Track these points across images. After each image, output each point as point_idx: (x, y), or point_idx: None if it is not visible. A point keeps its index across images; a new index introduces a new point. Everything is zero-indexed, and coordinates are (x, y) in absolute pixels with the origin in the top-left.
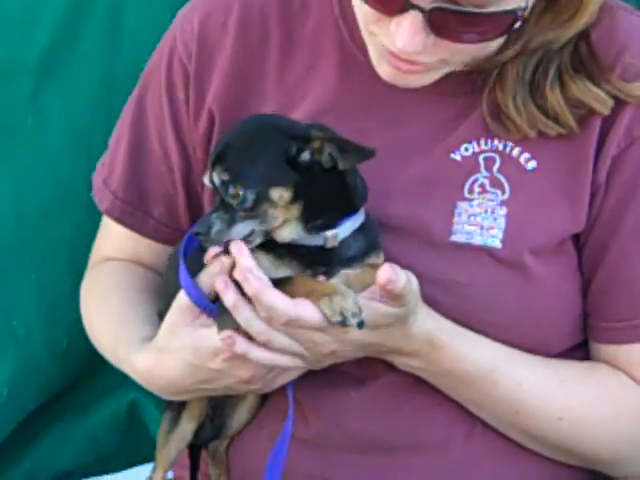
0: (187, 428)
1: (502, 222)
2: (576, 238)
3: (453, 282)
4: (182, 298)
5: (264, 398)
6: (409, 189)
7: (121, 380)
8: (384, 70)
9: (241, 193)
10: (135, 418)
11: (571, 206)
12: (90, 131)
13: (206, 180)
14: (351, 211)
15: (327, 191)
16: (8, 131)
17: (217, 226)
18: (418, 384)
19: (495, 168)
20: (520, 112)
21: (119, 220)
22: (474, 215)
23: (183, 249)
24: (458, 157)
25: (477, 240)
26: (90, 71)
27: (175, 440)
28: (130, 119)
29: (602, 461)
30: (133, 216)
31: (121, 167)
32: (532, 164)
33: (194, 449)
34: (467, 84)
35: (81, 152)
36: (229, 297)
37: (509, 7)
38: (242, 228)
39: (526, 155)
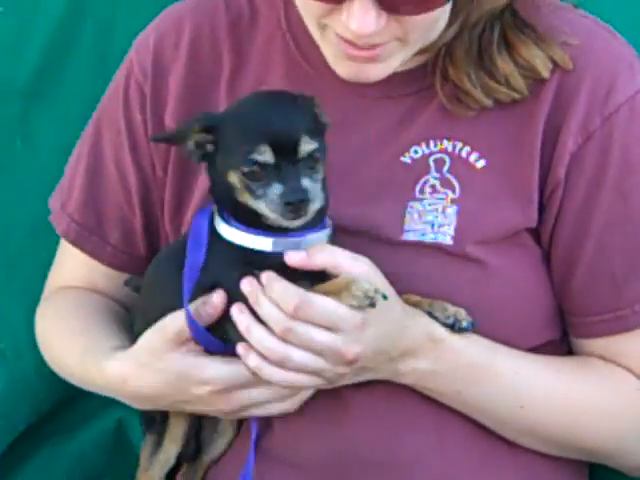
0: (170, 451)
1: (453, 220)
2: (534, 233)
3: (408, 277)
4: (169, 324)
5: (240, 425)
6: (361, 191)
7: (108, 400)
8: (342, 69)
9: (320, 156)
10: (122, 437)
11: (521, 202)
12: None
13: (266, 156)
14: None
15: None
16: None
17: (310, 188)
18: (396, 403)
19: (445, 169)
20: (474, 84)
21: (75, 243)
22: (425, 214)
23: (186, 293)
24: (408, 160)
25: (429, 238)
26: (78, 94)
27: (159, 463)
28: (88, 142)
29: (608, 452)
30: (89, 240)
31: (78, 190)
32: (481, 163)
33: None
34: (412, 84)
35: (61, 172)
36: (243, 321)
37: None
38: (319, 187)
39: (475, 154)
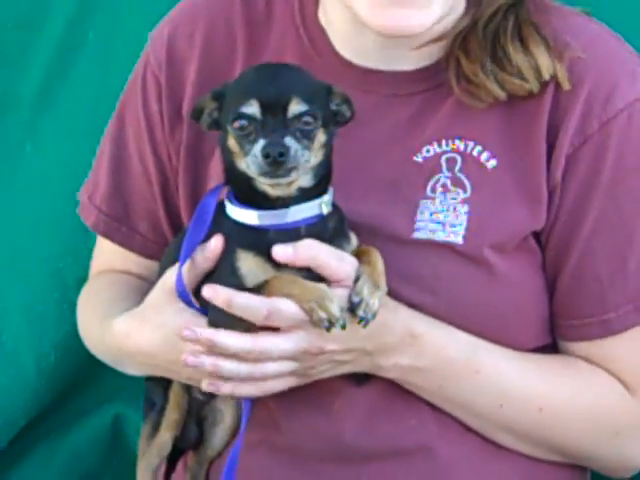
0: (166, 435)
1: (464, 219)
2: (538, 236)
3: (417, 276)
4: (169, 279)
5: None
6: (372, 189)
7: (105, 396)
8: (382, 19)
9: (312, 123)
10: (119, 433)
11: (531, 203)
12: (82, 156)
13: (253, 109)
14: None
15: (329, 154)
16: (7, 158)
17: (294, 148)
18: (392, 394)
19: (457, 168)
20: (488, 75)
21: (105, 235)
22: (436, 213)
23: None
24: (420, 159)
25: (440, 236)
26: (83, 100)
27: (156, 447)
28: (111, 136)
29: (584, 453)
30: (119, 231)
31: (104, 183)
32: (492, 163)
33: (173, 457)
34: (422, 83)
35: (72, 176)
36: (207, 364)
37: None
38: (306, 156)
39: (487, 154)
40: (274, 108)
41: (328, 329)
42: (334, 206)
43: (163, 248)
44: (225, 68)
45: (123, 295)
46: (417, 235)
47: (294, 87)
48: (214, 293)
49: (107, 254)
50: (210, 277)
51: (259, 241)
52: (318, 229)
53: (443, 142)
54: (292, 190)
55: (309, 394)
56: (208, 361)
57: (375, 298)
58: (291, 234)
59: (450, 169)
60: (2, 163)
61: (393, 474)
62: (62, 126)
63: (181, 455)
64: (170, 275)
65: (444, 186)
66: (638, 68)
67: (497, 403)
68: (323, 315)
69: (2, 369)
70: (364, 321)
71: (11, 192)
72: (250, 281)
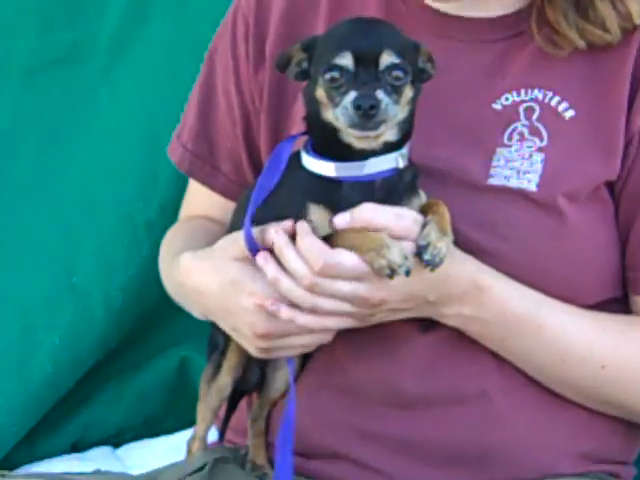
0: (226, 379)
1: (539, 167)
2: (611, 186)
3: (491, 222)
4: (239, 235)
5: (304, 361)
6: (451, 134)
7: (173, 338)
8: None
9: (403, 77)
10: (185, 376)
11: (606, 153)
12: (156, 102)
13: (346, 60)
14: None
15: (413, 111)
16: (82, 104)
17: (385, 101)
18: (455, 341)
19: (534, 117)
20: (571, 24)
21: (189, 172)
22: (512, 160)
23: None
24: (499, 106)
25: (514, 183)
26: (157, 48)
27: (216, 389)
28: (202, 75)
29: None
30: (202, 169)
31: (191, 121)
32: (570, 113)
33: (233, 400)
34: (502, 30)
35: (146, 122)
36: (270, 270)
37: None
38: (397, 110)
39: (565, 104)
40: (367, 61)
41: (390, 276)
42: (409, 161)
43: (244, 190)
44: (309, 16)
45: (201, 236)
46: (491, 181)
47: (387, 41)
48: (277, 233)
49: (193, 196)
50: None
51: (332, 194)
52: (393, 183)
53: (522, 91)
54: (378, 143)
55: (374, 338)
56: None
57: (442, 242)
58: (365, 187)
59: (528, 118)
60: (77, 108)
61: (451, 419)
62: (137, 72)
63: (242, 397)
64: (240, 232)
65: (521, 134)
66: None
67: (559, 358)
68: (383, 262)
69: (73, 310)
70: (431, 265)
71: (85, 137)
72: (319, 234)
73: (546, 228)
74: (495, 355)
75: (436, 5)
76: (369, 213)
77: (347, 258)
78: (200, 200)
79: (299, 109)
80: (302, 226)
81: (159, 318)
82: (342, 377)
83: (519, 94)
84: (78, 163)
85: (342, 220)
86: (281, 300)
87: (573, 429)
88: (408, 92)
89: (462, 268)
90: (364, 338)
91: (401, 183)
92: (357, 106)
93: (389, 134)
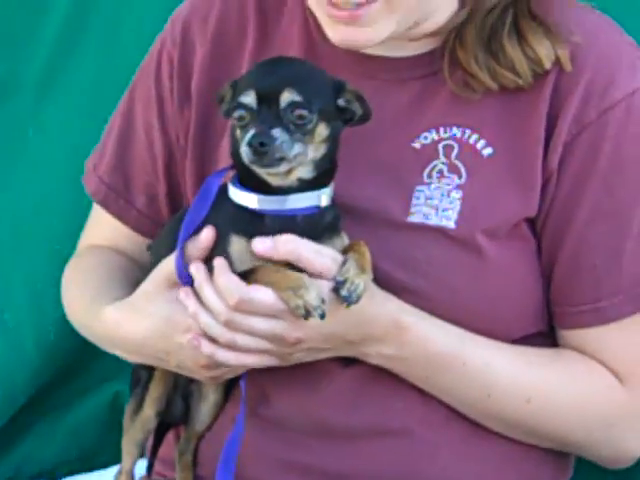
0: (150, 411)
1: (457, 204)
2: (532, 223)
3: (412, 259)
4: (163, 267)
5: (227, 394)
6: (371, 173)
7: (106, 373)
8: (333, 33)
9: (307, 116)
10: (118, 411)
11: (524, 190)
12: (84, 140)
13: (249, 99)
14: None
15: (333, 149)
16: (10, 142)
17: (281, 139)
18: (378, 375)
19: (453, 155)
20: (481, 66)
21: (102, 204)
22: (431, 198)
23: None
24: (418, 145)
25: (433, 221)
26: (86, 85)
27: (140, 423)
28: (122, 108)
29: (576, 443)
30: (116, 203)
31: (109, 153)
32: (488, 151)
33: (160, 432)
34: (421, 68)
35: (74, 160)
36: (190, 305)
37: None
38: (298, 148)
39: (483, 142)
40: (269, 98)
41: (306, 317)
42: (333, 202)
43: (157, 226)
44: (234, 54)
45: (111, 277)
46: (411, 219)
47: (291, 79)
48: (196, 269)
49: (100, 226)
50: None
51: (254, 227)
52: (314, 220)
53: (441, 129)
54: (291, 180)
55: (298, 370)
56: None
57: (360, 279)
58: (287, 222)
59: (447, 155)
60: (5, 147)
61: (375, 452)
62: (65, 111)
63: (169, 429)
64: (165, 264)
65: (440, 172)
66: (638, 60)
67: (485, 393)
68: (299, 302)
69: (3, 347)
70: (348, 301)
71: (14, 175)
72: (239, 267)
73: (466, 265)
74: (419, 389)
75: None
76: (291, 244)
77: (263, 294)
78: (108, 230)
79: (225, 146)
80: (220, 262)
81: (91, 353)
82: (267, 408)
83: (438, 132)
84: (7, 200)
85: (262, 245)
86: (203, 335)
87: (501, 461)
88: (322, 131)
89: (383, 308)
90: (288, 370)
91: (322, 222)
92: (249, 143)
93: (302, 171)
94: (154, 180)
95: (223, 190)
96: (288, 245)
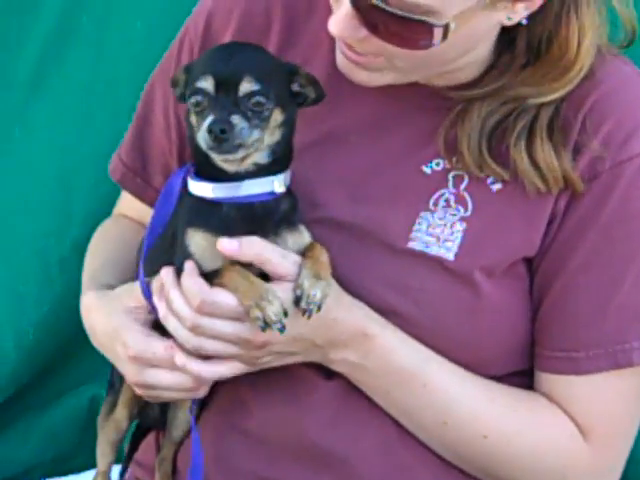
0: (122, 413)
1: (459, 237)
2: (529, 262)
3: (405, 285)
4: (137, 289)
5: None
6: (378, 194)
7: (84, 376)
8: (339, 59)
9: (264, 103)
10: (95, 415)
11: (528, 229)
12: (70, 141)
13: (207, 84)
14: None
15: (288, 134)
16: None
17: (240, 126)
18: (349, 394)
19: (462, 186)
20: (471, 151)
21: (120, 182)
22: (434, 226)
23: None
24: (428, 170)
25: (433, 250)
26: (75, 85)
27: (112, 424)
28: (144, 94)
29: None
30: (133, 182)
31: (129, 134)
32: (498, 186)
33: (137, 437)
34: (448, 101)
35: (59, 160)
36: (161, 309)
37: (433, 21)
38: (256, 134)
39: (493, 177)
40: (227, 85)
41: (263, 329)
42: (289, 190)
43: None
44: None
45: (116, 260)
46: (411, 245)
47: (249, 66)
48: (166, 273)
49: (124, 201)
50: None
51: (212, 217)
52: (271, 208)
53: (454, 159)
54: (246, 165)
55: (278, 381)
56: None
57: (316, 289)
58: (245, 210)
59: (456, 186)
60: None
61: (353, 472)
62: (52, 111)
63: (147, 433)
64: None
65: (447, 201)
66: None
67: (441, 420)
68: (259, 314)
69: None
70: (307, 313)
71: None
72: (200, 259)
73: (458, 298)
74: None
75: None
76: (257, 247)
77: (224, 297)
78: (131, 207)
79: None
80: (188, 265)
81: (70, 355)
82: (248, 420)
83: (451, 161)
84: None
85: (229, 245)
86: (178, 347)
87: None
88: (277, 116)
89: (349, 314)
90: (268, 380)
91: (278, 210)
92: (209, 130)
93: (258, 156)
94: (171, 161)
95: (185, 186)
96: (254, 247)
